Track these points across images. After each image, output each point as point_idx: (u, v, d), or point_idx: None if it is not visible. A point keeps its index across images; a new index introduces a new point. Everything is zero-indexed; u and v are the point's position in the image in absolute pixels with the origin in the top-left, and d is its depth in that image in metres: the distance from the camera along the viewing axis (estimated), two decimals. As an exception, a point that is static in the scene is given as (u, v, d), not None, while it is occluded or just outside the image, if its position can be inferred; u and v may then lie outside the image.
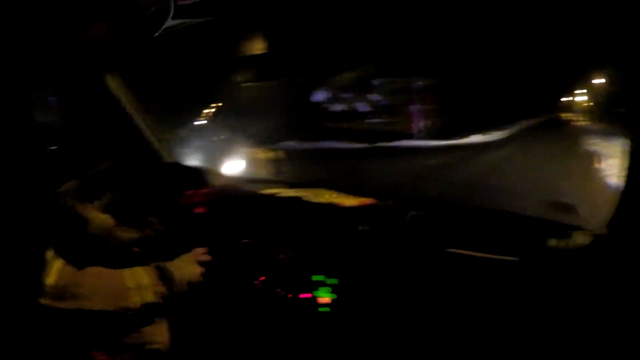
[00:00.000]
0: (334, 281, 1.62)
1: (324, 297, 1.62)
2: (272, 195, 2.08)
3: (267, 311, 1.68)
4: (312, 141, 14.54)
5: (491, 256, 1.41)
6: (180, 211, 1.38)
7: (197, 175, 1.57)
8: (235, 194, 1.98)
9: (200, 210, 1.50)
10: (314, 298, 1.63)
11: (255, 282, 1.70)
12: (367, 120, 21.37)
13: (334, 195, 2.00)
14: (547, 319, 1.28)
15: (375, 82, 22.03)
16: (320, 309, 1.62)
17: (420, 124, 21.11)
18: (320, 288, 1.63)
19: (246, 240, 1.76)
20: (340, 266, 1.65)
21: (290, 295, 1.65)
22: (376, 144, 17.18)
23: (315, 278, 1.64)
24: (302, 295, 1.65)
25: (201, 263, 1.38)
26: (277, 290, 1.68)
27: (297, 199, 2.00)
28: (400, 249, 1.58)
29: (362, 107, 22.27)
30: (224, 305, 1.65)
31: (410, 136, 19.81)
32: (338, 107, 21.34)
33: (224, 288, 1.62)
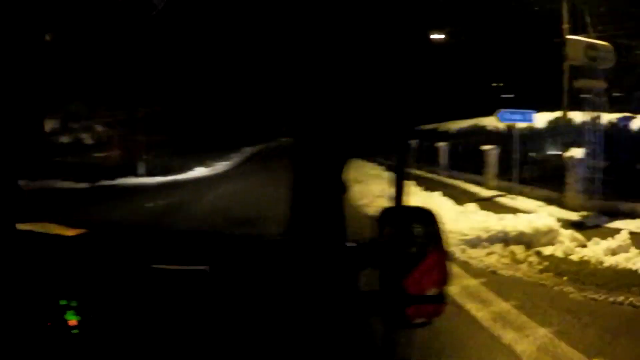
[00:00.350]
0: (74, 303, 1.87)
1: (72, 320, 1.88)
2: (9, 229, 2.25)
3: (36, 340, 1.83)
4: (40, 179, 13.19)
5: (186, 268, 1.67)
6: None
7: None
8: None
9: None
10: (65, 321, 1.87)
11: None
12: (94, 154, 20.14)
13: (59, 228, 2.24)
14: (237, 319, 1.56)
15: (102, 112, 20.87)
16: (73, 331, 1.85)
17: (143, 157, 20.47)
18: (67, 311, 1.89)
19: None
20: (77, 288, 1.90)
21: (49, 324, 1.84)
22: (97, 183, 16.42)
23: (62, 302, 1.88)
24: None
25: None
26: (43, 318, 1.85)
27: (31, 232, 2.17)
28: (114, 269, 1.89)
29: (88, 139, 20.95)
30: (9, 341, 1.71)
31: (134, 171, 19.22)
32: (66, 139, 19.64)
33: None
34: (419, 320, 1.36)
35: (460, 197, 11.36)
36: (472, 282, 5.60)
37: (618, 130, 11.57)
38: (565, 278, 5.80)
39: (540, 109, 13.93)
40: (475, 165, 15.88)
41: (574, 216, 9.53)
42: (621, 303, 4.93)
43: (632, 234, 6.96)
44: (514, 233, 7.28)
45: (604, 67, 10.72)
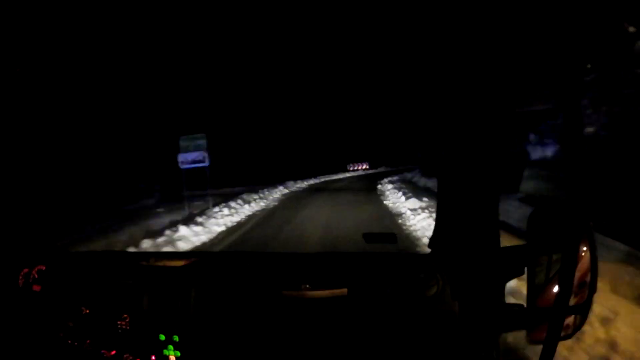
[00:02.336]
0: (175, 338, 1.66)
1: (172, 355, 1.66)
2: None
3: None
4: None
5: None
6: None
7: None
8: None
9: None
10: (165, 357, 1.67)
11: (103, 351, 1.74)
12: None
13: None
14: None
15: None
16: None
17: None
18: (168, 346, 1.67)
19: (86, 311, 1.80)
20: (179, 323, 1.68)
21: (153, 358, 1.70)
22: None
23: (161, 337, 1.68)
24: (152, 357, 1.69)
25: None
26: (125, 356, 1.72)
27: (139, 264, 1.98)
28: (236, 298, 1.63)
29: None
30: None
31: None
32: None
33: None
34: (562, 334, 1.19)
35: None
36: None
37: None
38: None
39: None
40: None
41: None
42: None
43: None
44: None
45: None
